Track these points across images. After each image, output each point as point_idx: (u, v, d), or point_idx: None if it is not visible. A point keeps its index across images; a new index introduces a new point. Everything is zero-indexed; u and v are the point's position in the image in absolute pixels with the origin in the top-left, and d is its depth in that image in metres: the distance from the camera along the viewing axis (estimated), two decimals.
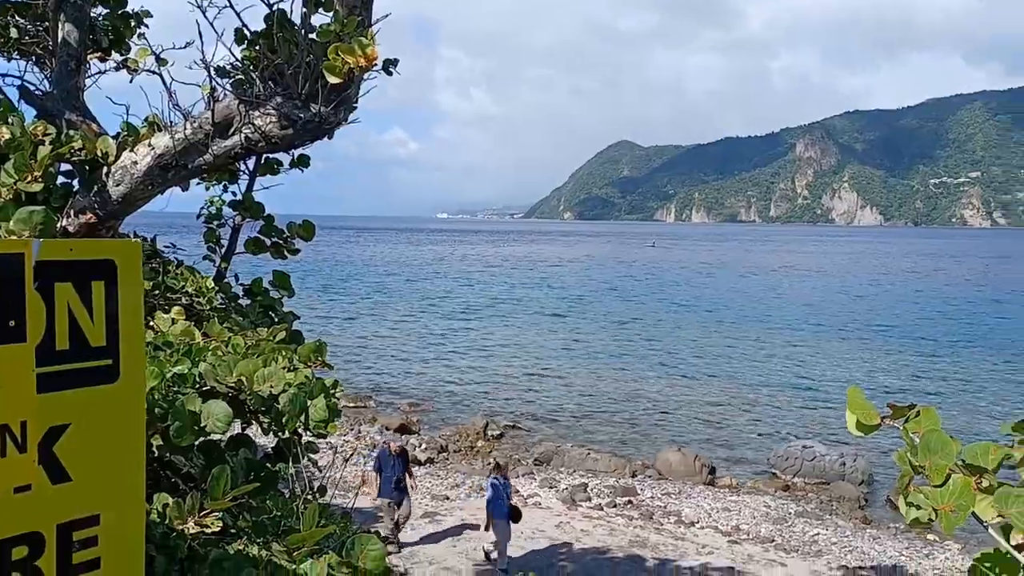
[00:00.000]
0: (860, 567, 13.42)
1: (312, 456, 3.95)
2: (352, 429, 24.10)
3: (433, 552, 14.04)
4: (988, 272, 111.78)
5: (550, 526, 15.38)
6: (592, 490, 18.55)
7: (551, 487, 18.76)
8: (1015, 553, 2.80)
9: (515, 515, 13.40)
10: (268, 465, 3.85)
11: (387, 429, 24.35)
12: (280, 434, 3.58)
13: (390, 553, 13.48)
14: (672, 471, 20.78)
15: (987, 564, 2.95)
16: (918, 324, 52.33)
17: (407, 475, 14.44)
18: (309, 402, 3.52)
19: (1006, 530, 2.98)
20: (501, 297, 65.66)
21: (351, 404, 27.72)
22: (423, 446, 22.13)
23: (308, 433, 3.55)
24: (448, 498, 17.69)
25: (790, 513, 16.70)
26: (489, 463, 21.49)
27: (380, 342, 41.15)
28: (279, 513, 3.62)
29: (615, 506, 17.33)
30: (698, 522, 15.97)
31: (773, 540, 14.89)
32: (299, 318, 5.86)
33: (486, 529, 13.52)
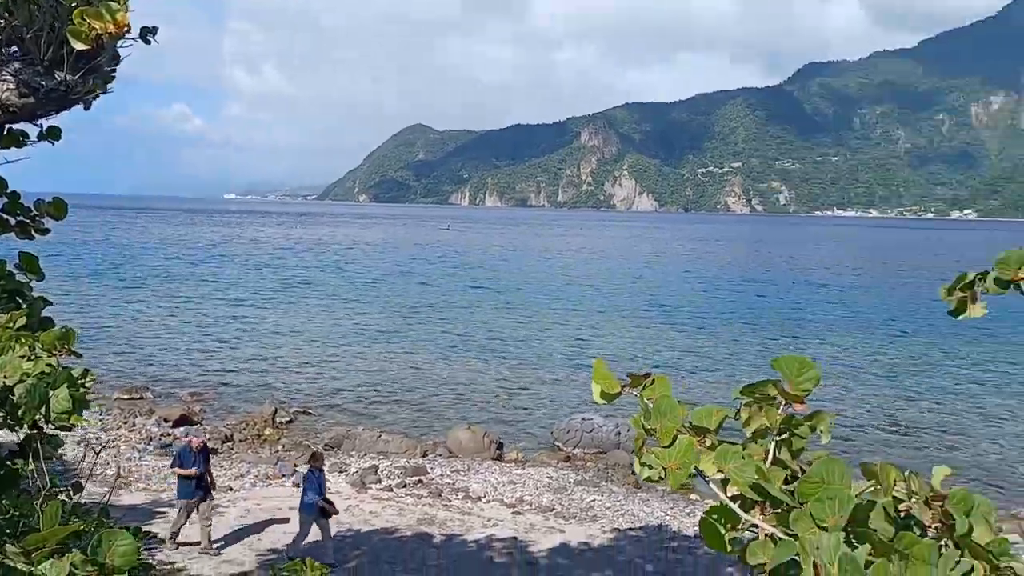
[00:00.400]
0: (630, 528, 14.43)
1: (55, 451, 3.68)
2: (126, 422, 22.59)
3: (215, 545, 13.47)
4: (747, 254, 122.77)
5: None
6: (382, 472, 18.58)
7: (341, 471, 18.58)
8: (731, 504, 3.14)
9: (330, 508, 13.00)
10: (9, 463, 3.57)
11: (165, 421, 23.05)
12: (17, 428, 3.31)
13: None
14: (462, 449, 21.23)
15: (714, 516, 3.29)
16: (688, 302, 56.58)
17: (208, 472, 13.72)
18: (51, 393, 3.29)
19: (726, 483, 3.35)
20: (292, 281, 63.75)
21: (125, 396, 26.05)
22: (206, 436, 21.14)
23: (50, 426, 3.32)
24: (232, 489, 17.05)
25: (570, 482, 17.61)
26: (277, 451, 20.96)
27: (159, 330, 38.68)
28: (19, 512, 3.37)
29: (405, 486, 17.47)
30: (484, 496, 16.45)
31: (553, 509, 15.65)
32: (51, 303, 5.40)
33: (328, 516, 13.04)
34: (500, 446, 21.78)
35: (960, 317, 5.18)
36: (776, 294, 63.74)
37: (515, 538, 13.60)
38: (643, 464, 3.18)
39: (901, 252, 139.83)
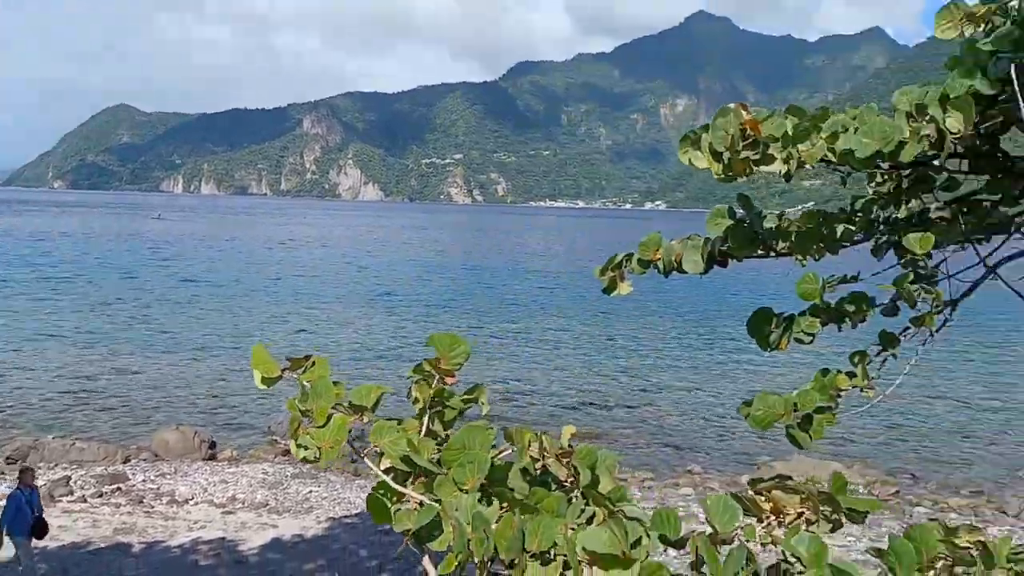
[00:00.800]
0: (346, 516, 14.48)
1: None
2: None
3: None
4: (469, 243, 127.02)
5: None
6: (76, 482, 16.99)
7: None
8: (385, 477, 3.31)
9: (40, 529, 11.44)
10: None
11: None
12: None
13: None
14: (170, 451, 20.01)
15: (381, 491, 3.44)
16: (412, 290, 57.46)
17: None
18: None
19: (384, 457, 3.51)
20: None
21: None
22: None
23: None
24: None
25: (286, 476, 17.25)
26: None
27: None
28: None
29: (101, 495, 16.12)
30: (192, 499, 15.65)
31: (267, 504, 15.26)
32: None
33: (40, 536, 11.40)
34: (212, 445, 20.79)
35: (612, 294, 5.82)
36: (495, 280, 66.64)
37: (224, 538, 13.10)
38: (299, 445, 3.25)
39: (602, 239, 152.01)
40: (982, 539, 3.10)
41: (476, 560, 2.94)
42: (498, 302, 51.99)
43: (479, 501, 3.16)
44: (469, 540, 2.87)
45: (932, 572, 2.93)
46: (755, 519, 3.73)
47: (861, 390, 4.55)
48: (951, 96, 3.77)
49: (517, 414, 23.85)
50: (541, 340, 37.70)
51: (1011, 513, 14.98)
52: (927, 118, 3.76)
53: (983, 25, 4.17)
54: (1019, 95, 3.42)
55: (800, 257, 4.88)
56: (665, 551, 3.47)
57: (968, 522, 3.74)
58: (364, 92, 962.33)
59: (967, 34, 4.17)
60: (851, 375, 4.64)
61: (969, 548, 3.09)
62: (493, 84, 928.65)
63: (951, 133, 3.68)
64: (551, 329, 41.18)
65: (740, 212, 5.09)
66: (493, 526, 2.90)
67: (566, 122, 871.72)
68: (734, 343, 37.73)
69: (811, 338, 4.90)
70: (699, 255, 5.23)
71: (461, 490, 3.17)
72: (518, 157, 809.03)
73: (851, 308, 4.85)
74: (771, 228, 4.97)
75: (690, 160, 4.06)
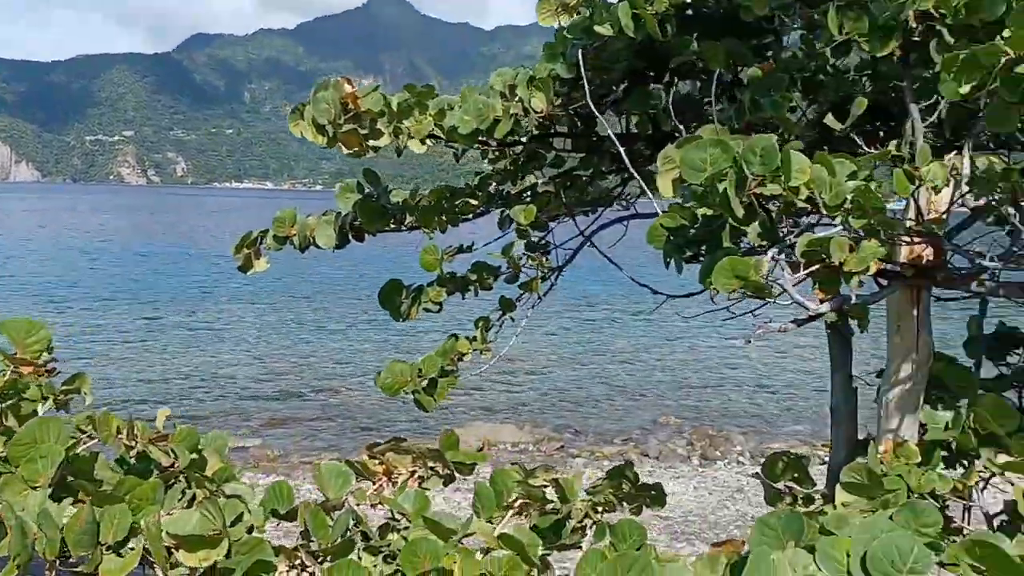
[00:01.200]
0: None
1: None
2: None
3: None
4: (140, 227, 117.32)
5: None
6: None
7: None
8: None
9: None
10: None
11: None
12: None
13: None
14: None
15: None
16: (77, 281, 51.93)
17: None
18: None
19: None
20: None
21: None
22: None
23: None
24: None
25: None
26: None
27: None
28: None
29: None
30: None
31: None
32: None
33: None
34: None
35: (248, 273, 5.64)
36: (174, 267, 62.33)
37: None
38: None
39: None
40: (556, 477, 3.47)
41: (45, 560, 2.73)
42: (178, 290, 48.65)
43: (57, 498, 2.94)
44: (34, 540, 2.66)
45: (511, 511, 3.21)
46: (368, 482, 3.85)
47: (480, 352, 4.89)
48: (536, 78, 4.12)
49: (202, 410, 22.50)
50: (227, 328, 35.94)
51: (652, 455, 17.06)
52: (516, 98, 4.08)
53: (575, 15, 4.54)
54: (585, 77, 3.82)
55: (427, 230, 5.08)
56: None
57: (544, 464, 4.17)
58: (12, 60, 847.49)
59: (562, 23, 4.52)
60: (473, 339, 4.96)
61: (546, 486, 3.44)
62: (165, 56, 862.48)
63: (535, 112, 4.03)
64: (238, 316, 39.42)
65: (368, 187, 5.18)
66: (64, 522, 2.70)
67: (249, 99, 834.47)
68: (427, 314, 38.74)
69: (438, 307, 5.15)
70: (331, 230, 5.27)
71: (33, 488, 2.92)
72: (198, 135, 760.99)
73: (474, 277, 5.17)
74: (399, 202, 5.13)
75: (301, 132, 4.05)
